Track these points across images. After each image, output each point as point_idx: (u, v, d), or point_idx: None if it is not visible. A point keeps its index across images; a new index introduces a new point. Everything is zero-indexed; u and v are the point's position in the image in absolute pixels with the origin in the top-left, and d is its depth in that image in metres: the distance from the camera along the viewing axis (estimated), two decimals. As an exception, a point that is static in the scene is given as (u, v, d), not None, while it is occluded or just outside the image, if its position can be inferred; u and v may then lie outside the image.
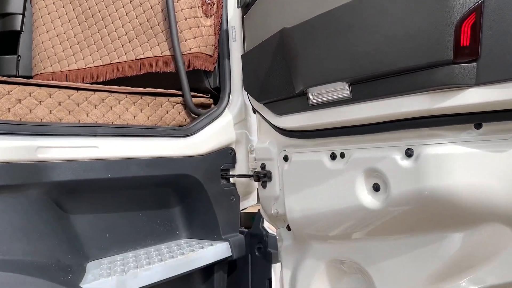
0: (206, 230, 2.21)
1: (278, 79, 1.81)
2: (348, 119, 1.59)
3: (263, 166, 2.08)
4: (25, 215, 1.44)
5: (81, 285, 1.48)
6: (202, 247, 2.03)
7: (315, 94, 1.67)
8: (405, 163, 1.47)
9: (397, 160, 1.49)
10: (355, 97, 1.54)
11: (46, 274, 1.36)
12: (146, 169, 1.85)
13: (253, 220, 2.62)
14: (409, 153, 1.46)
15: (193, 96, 2.20)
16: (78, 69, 2.37)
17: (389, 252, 1.67)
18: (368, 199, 1.61)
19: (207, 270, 2.22)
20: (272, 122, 1.95)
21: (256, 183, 2.20)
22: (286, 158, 1.97)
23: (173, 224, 2.22)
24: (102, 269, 1.68)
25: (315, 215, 1.84)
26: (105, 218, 1.90)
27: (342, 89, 1.56)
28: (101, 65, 2.33)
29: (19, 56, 2.67)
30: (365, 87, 1.50)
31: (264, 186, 2.09)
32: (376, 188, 1.58)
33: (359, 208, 1.63)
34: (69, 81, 2.41)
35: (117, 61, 2.28)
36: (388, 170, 1.52)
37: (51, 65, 2.44)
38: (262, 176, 2.06)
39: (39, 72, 2.49)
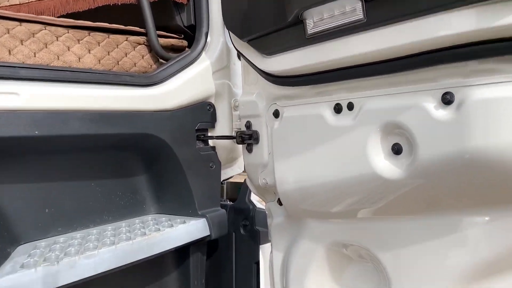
0: (179, 204, 1.79)
1: (265, 5, 1.35)
2: (359, 54, 1.15)
3: (248, 125, 1.64)
4: None
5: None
6: (171, 226, 1.62)
7: (315, 21, 1.21)
8: (441, 113, 1.04)
9: (429, 109, 1.06)
10: (371, 20, 1.09)
11: None
12: (92, 126, 1.41)
13: (239, 191, 2.20)
14: (447, 99, 1.02)
15: (160, 36, 1.73)
16: (20, 4, 1.90)
17: (408, 236, 1.27)
18: (385, 165, 1.18)
19: (180, 253, 1.81)
20: (259, 66, 1.50)
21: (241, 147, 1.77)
22: (276, 114, 1.53)
23: (138, 197, 1.80)
24: (32, 256, 1.27)
25: (312, 187, 1.41)
26: (43, 188, 1.48)
27: (352, 10, 1.11)
28: (47, -1, 1.85)
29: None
30: (385, 4, 1.04)
31: (249, 151, 1.65)
32: (396, 150, 1.15)
33: (372, 178, 1.20)
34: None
35: (66, -8, 1.80)
36: (415, 124, 1.09)
37: (-13, 0, 1.96)
38: (247, 138, 1.62)
39: (-27, 9, 2.01)
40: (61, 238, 1.48)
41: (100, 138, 1.47)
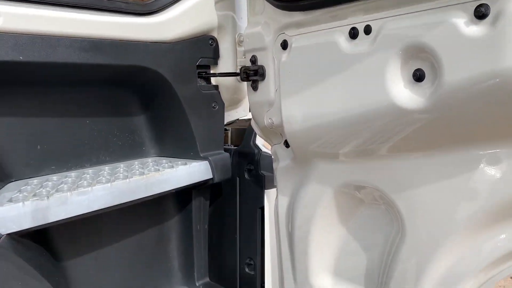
0: (180, 147, 1.70)
1: None
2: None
3: (253, 60, 1.51)
4: None
5: (-33, 213, 0.99)
6: (172, 167, 1.53)
7: None
8: (473, 30, 0.91)
9: (458, 26, 0.93)
10: None
11: None
12: (82, 54, 1.29)
13: (245, 137, 2.10)
14: (481, 12, 0.89)
15: (158, -39, 1.58)
16: None
17: (424, 175, 1.18)
18: (405, 94, 1.06)
19: (183, 196, 1.74)
20: (265, -10, 1.35)
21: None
22: (284, 45, 1.39)
23: (137, 138, 1.70)
24: (21, 192, 1.19)
25: (323, 125, 1.30)
26: (34, 123, 1.39)
27: None
28: None
29: None
30: None
31: (254, 88, 1.53)
32: (418, 76, 1.03)
33: (390, 110, 1.09)
34: None
35: None
36: (441, 44, 0.96)
37: None
38: (252, 73, 1.50)
39: None
40: (55, 177, 1.40)
41: (92, 69, 1.35)
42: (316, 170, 1.43)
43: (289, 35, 1.38)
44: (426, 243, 1.21)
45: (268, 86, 1.48)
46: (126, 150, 1.67)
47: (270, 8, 1.42)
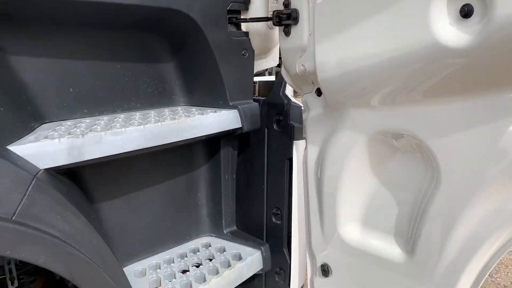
0: (209, 95, 1.69)
1: None
2: None
3: (286, 3, 1.46)
4: None
5: (8, 146, 1.01)
6: (202, 114, 1.52)
7: None
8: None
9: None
10: None
11: None
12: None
13: (273, 89, 2.07)
14: None
15: None
16: None
17: (463, 120, 1.13)
18: (450, 32, 1.01)
19: (212, 145, 1.75)
20: None
21: (278, 35, 1.61)
22: (320, -14, 1.33)
23: (167, 86, 1.69)
24: (56, 131, 1.21)
25: (359, 70, 1.26)
26: (66, 65, 1.39)
27: None
28: None
29: None
30: None
31: (286, 33, 1.49)
32: (466, 12, 0.97)
33: (433, 49, 1.04)
34: None
35: None
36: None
37: None
38: (285, 17, 1.45)
39: None
40: (87, 120, 1.42)
41: (124, 9, 1.32)
42: (349, 118, 1.40)
43: (326, -26, 1.32)
44: (462, 191, 1.19)
45: (301, 30, 1.44)
46: (156, 97, 1.66)
47: None
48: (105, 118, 1.44)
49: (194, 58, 1.63)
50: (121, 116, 1.48)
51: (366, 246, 1.50)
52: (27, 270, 1.75)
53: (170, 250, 1.76)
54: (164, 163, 1.65)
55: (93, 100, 1.47)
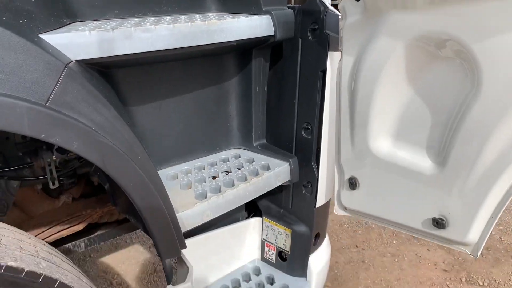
0: (241, 1, 1.62)
1: None
2: None
3: None
4: None
5: (40, 35, 1.02)
6: (233, 18, 1.47)
7: None
8: None
9: None
10: None
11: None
12: None
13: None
14: None
15: None
16: None
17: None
18: None
19: (243, 55, 1.71)
20: None
21: None
22: None
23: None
24: (87, 27, 1.20)
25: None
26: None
27: None
28: None
29: None
30: None
31: None
32: None
33: None
34: None
35: None
36: None
37: None
38: None
39: None
40: (118, 20, 1.40)
41: None
42: (388, 22, 1.32)
43: None
44: (502, 100, 1.12)
45: None
46: (187, 2, 1.62)
47: None
48: (135, 19, 1.42)
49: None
50: (151, 18, 1.46)
51: (395, 158, 1.49)
52: (66, 172, 1.86)
53: (201, 158, 1.81)
54: (195, 72, 1.64)
55: (124, 1, 1.45)
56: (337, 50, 1.63)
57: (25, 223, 2.22)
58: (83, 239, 2.54)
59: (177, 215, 1.34)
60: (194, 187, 1.56)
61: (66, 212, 2.37)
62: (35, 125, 0.93)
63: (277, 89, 1.80)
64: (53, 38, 1.04)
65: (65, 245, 2.47)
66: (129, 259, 3.28)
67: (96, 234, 2.60)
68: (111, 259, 3.29)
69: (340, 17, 1.54)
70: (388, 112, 1.47)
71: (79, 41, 1.08)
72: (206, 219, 1.44)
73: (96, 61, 1.14)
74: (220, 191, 1.53)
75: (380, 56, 1.38)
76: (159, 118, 1.61)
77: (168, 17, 1.52)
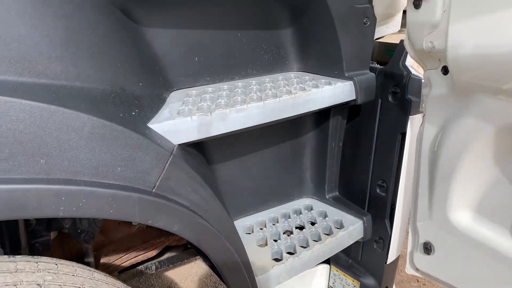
0: (324, 63, 1.66)
1: None
2: None
3: (421, -27, 1.34)
4: (71, 23, 1.03)
5: (149, 124, 1.12)
6: (316, 86, 1.52)
7: None
8: None
9: None
10: None
11: (98, 106, 0.99)
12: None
13: (390, 53, 1.97)
14: None
15: None
16: None
17: None
18: None
19: (321, 114, 1.75)
20: None
21: (404, 1, 1.49)
22: (464, -42, 1.20)
23: (282, 52, 1.69)
24: (185, 104, 1.30)
25: (501, 54, 1.15)
26: (194, 36, 1.45)
27: None
28: None
29: None
30: None
31: (416, 6, 1.38)
32: None
33: None
34: None
35: None
36: None
37: None
38: (417, -11, 1.34)
39: None
40: (210, 88, 1.49)
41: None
42: (479, 104, 1.31)
43: None
44: None
45: (434, 5, 1.32)
46: (271, 63, 1.68)
47: None
48: (225, 87, 1.50)
49: (313, 25, 1.60)
50: (239, 85, 1.53)
51: (476, 233, 1.46)
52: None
53: (274, 208, 1.87)
54: (275, 130, 1.70)
55: (215, 68, 1.53)
56: (418, 113, 1.63)
57: (106, 247, 2.40)
58: (154, 261, 2.70)
59: (256, 278, 1.41)
60: (270, 244, 1.62)
61: (142, 239, 2.53)
62: (144, 213, 1.03)
63: (353, 145, 1.82)
64: (160, 127, 1.13)
65: (137, 267, 2.64)
66: (191, 275, 3.44)
67: (166, 257, 2.75)
68: (175, 274, 3.46)
69: (423, 82, 1.54)
70: (471, 187, 1.45)
71: (182, 127, 1.17)
72: (282, 281, 1.50)
73: (193, 142, 1.23)
74: (295, 251, 1.58)
75: (467, 135, 1.36)
76: (240, 172, 1.70)
77: (254, 81, 1.59)
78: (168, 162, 1.10)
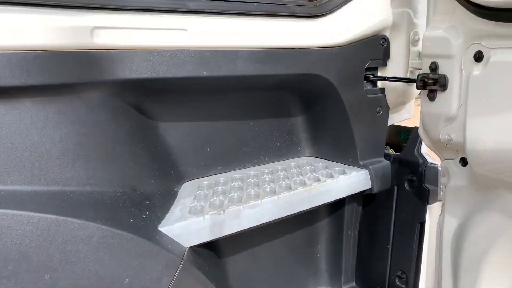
0: (337, 150, 1.63)
1: None
2: None
3: (433, 67, 1.34)
4: (84, 126, 1.02)
5: (160, 227, 1.07)
6: (331, 176, 1.48)
7: None
8: None
9: None
10: None
11: (107, 212, 0.95)
12: (258, 65, 1.27)
13: (402, 136, 1.95)
14: None
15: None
16: None
17: None
18: None
19: (337, 203, 1.69)
20: (464, -6, 1.16)
21: (416, 90, 1.50)
22: (479, 57, 1.20)
23: (294, 138, 1.68)
24: (197, 199, 1.26)
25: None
26: (206, 127, 1.44)
27: None
28: None
29: None
30: None
31: (431, 98, 1.37)
32: None
33: None
34: None
35: None
36: None
37: None
38: (431, 83, 1.34)
39: None
40: (221, 178, 1.46)
41: (264, 78, 1.33)
42: (501, 201, 1.25)
43: (486, 46, 1.18)
44: None
45: (449, 99, 1.31)
46: (283, 150, 1.66)
47: (462, 11, 1.23)
48: (237, 177, 1.47)
49: (325, 114, 1.59)
50: (251, 174, 1.50)
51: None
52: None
53: (287, 301, 1.76)
54: (288, 219, 1.64)
55: (227, 157, 1.51)
56: (436, 201, 1.57)
57: None
58: None
59: None
60: None
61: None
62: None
63: (369, 233, 1.75)
64: (171, 230, 1.08)
65: None
66: None
67: None
68: None
69: (440, 170, 1.50)
70: (499, 281, 1.36)
71: (194, 228, 1.12)
72: None
73: (204, 244, 1.17)
74: None
75: (492, 231, 1.30)
76: (252, 264, 1.61)
77: (266, 169, 1.56)
78: (179, 269, 1.04)
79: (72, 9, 0.96)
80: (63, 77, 0.94)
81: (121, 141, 1.12)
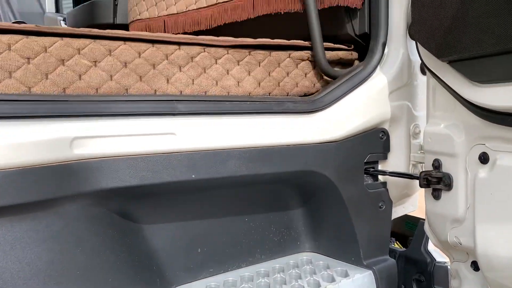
0: (339, 248, 1.53)
1: (483, 15, 0.96)
2: None
3: (437, 165, 1.28)
4: (58, 243, 0.93)
5: None
6: (333, 280, 1.36)
7: None
8: None
9: None
10: None
11: None
12: (250, 165, 1.21)
13: (407, 226, 1.85)
14: None
15: (327, 49, 1.45)
16: (178, 13, 1.80)
17: None
18: None
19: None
20: (465, 96, 1.12)
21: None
22: (484, 158, 1.14)
23: (293, 232, 1.58)
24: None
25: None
26: (195, 226, 1.35)
27: None
28: (204, 7, 1.71)
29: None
30: None
31: (436, 197, 1.29)
32: None
33: None
34: (167, 30, 1.86)
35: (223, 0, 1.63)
36: None
37: (147, 9, 1.90)
38: (435, 182, 1.26)
39: (134, 19, 1.98)
40: (213, 283, 1.34)
41: (257, 177, 1.26)
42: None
43: (491, 148, 1.12)
44: None
45: (455, 199, 1.23)
46: (281, 245, 1.55)
47: (463, 110, 1.18)
48: (230, 280, 1.36)
49: (325, 209, 1.51)
50: (245, 275, 1.39)
51: None
52: None
53: None
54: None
55: (219, 258, 1.40)
56: (446, 304, 1.44)
57: None
58: None
59: None
60: None
61: None
62: None
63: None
64: None
65: None
66: None
67: None
68: None
69: (450, 271, 1.38)
70: None
71: None
72: None
73: None
74: None
75: None
76: None
77: (262, 269, 1.44)
78: None
79: (49, 119, 0.91)
80: (36, 195, 0.87)
81: (101, 254, 1.02)
